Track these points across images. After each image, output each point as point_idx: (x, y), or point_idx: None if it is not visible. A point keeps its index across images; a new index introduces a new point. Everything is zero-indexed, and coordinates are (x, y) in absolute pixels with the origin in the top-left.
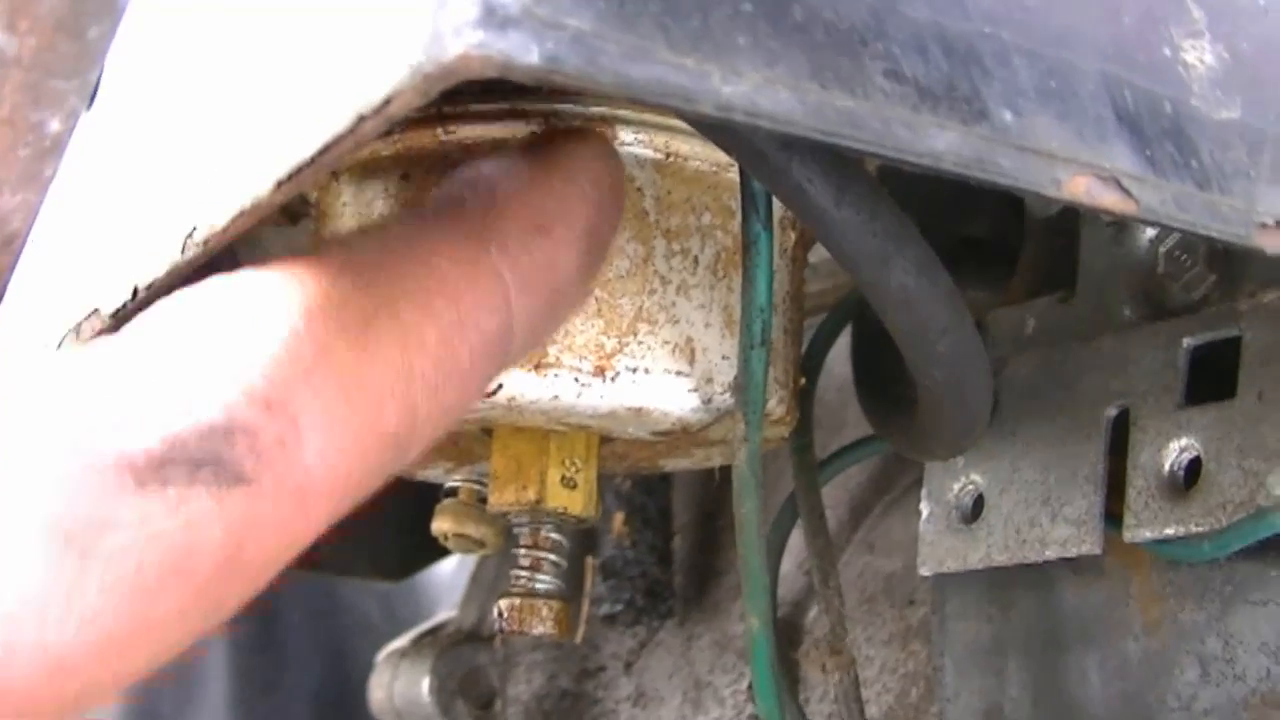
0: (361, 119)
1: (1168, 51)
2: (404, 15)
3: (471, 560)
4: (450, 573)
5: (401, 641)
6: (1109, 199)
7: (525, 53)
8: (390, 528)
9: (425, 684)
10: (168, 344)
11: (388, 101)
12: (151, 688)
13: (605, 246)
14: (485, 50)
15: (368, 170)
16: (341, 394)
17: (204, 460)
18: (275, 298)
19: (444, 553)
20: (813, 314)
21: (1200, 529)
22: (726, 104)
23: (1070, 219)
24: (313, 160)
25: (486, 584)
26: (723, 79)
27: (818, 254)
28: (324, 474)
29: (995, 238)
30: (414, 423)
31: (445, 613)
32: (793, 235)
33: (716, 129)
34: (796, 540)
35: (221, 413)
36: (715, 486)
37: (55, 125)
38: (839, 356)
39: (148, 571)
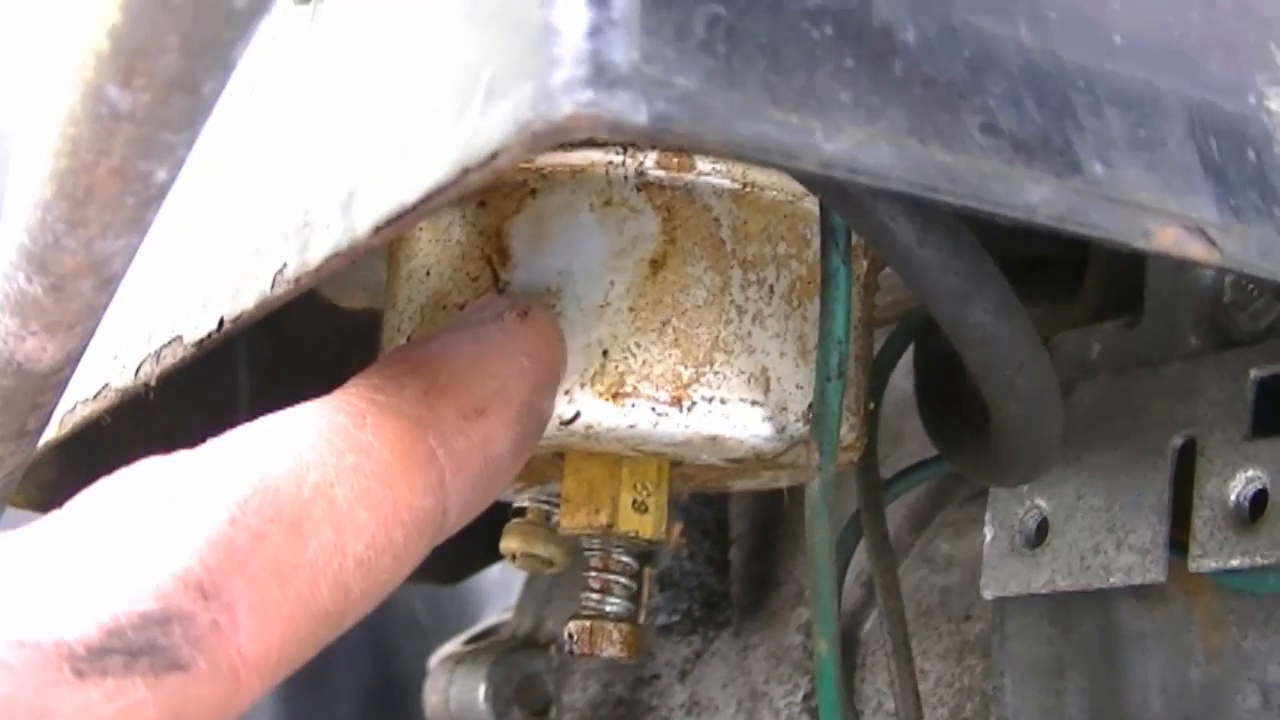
0: (466, 171)
1: (1252, 99)
2: (515, 70)
3: None
4: (497, 573)
5: (454, 645)
6: (1195, 250)
7: (634, 113)
8: None
9: (481, 690)
10: (105, 528)
11: (494, 155)
12: None
13: (543, 419)
14: (595, 109)
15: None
16: (275, 578)
17: (141, 650)
18: (212, 484)
19: (496, 557)
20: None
21: (1266, 561)
22: (829, 161)
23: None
24: (414, 207)
25: (542, 591)
26: (825, 136)
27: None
28: (257, 654)
29: (1059, 256)
30: (347, 600)
31: (494, 615)
32: (864, 263)
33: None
34: (856, 551)
35: (158, 601)
36: (780, 502)
37: (162, 175)
38: (898, 368)
39: None
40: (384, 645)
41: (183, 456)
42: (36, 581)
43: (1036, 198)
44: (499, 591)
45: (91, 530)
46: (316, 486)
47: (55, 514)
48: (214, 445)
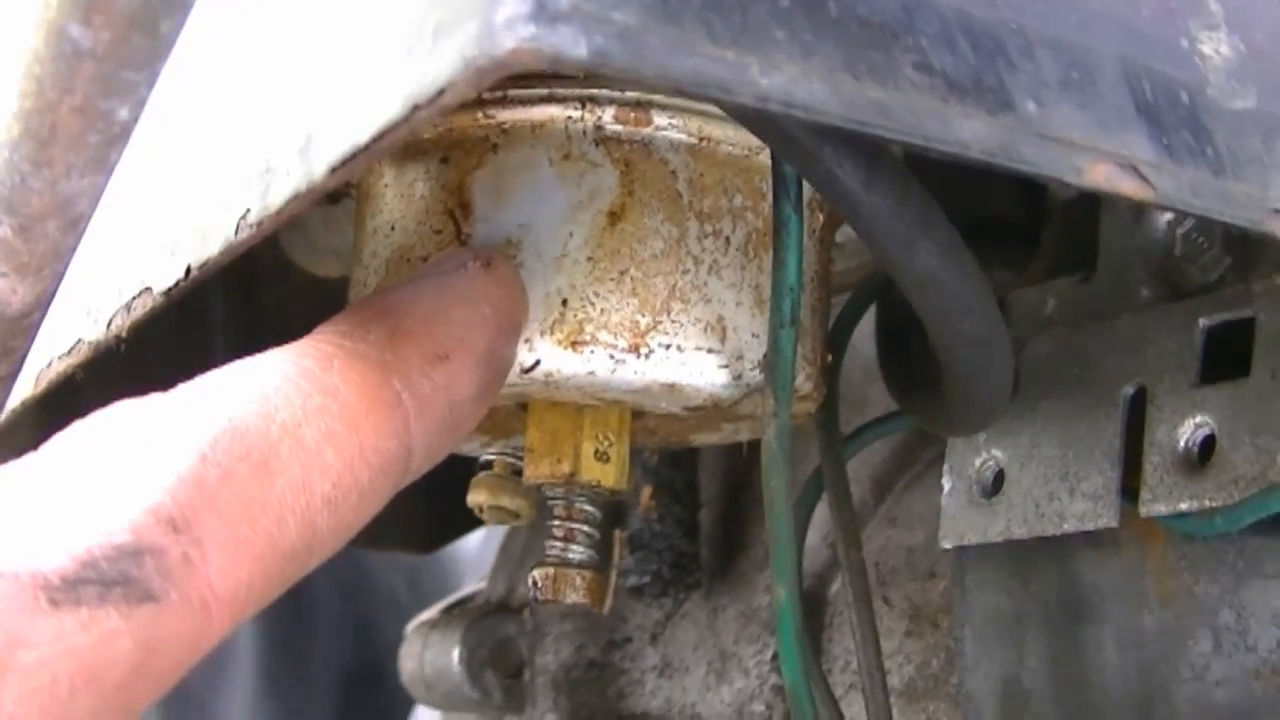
0: (416, 108)
1: (1185, 43)
2: (461, 9)
3: (498, 535)
4: (476, 548)
5: (431, 613)
6: (1127, 186)
7: (574, 46)
8: (419, 500)
9: (455, 654)
10: (79, 467)
11: (441, 92)
12: None
13: (505, 366)
14: (536, 44)
15: (409, 153)
16: (244, 514)
17: (115, 580)
18: (183, 424)
19: (472, 525)
20: (839, 292)
21: (1214, 504)
22: (764, 94)
23: (1090, 201)
24: (367, 146)
25: (515, 556)
26: (761, 71)
27: (844, 234)
28: (227, 588)
29: (1017, 218)
30: (314, 538)
31: (472, 586)
32: (820, 217)
33: (751, 116)
34: (821, 513)
35: (131, 535)
36: (742, 461)
37: (124, 113)
38: (863, 335)
39: (61, 683)
40: (365, 622)
41: (154, 398)
42: (11, 516)
43: (968, 134)
44: (476, 569)
45: (65, 467)
46: (284, 427)
47: (31, 454)
48: (185, 388)
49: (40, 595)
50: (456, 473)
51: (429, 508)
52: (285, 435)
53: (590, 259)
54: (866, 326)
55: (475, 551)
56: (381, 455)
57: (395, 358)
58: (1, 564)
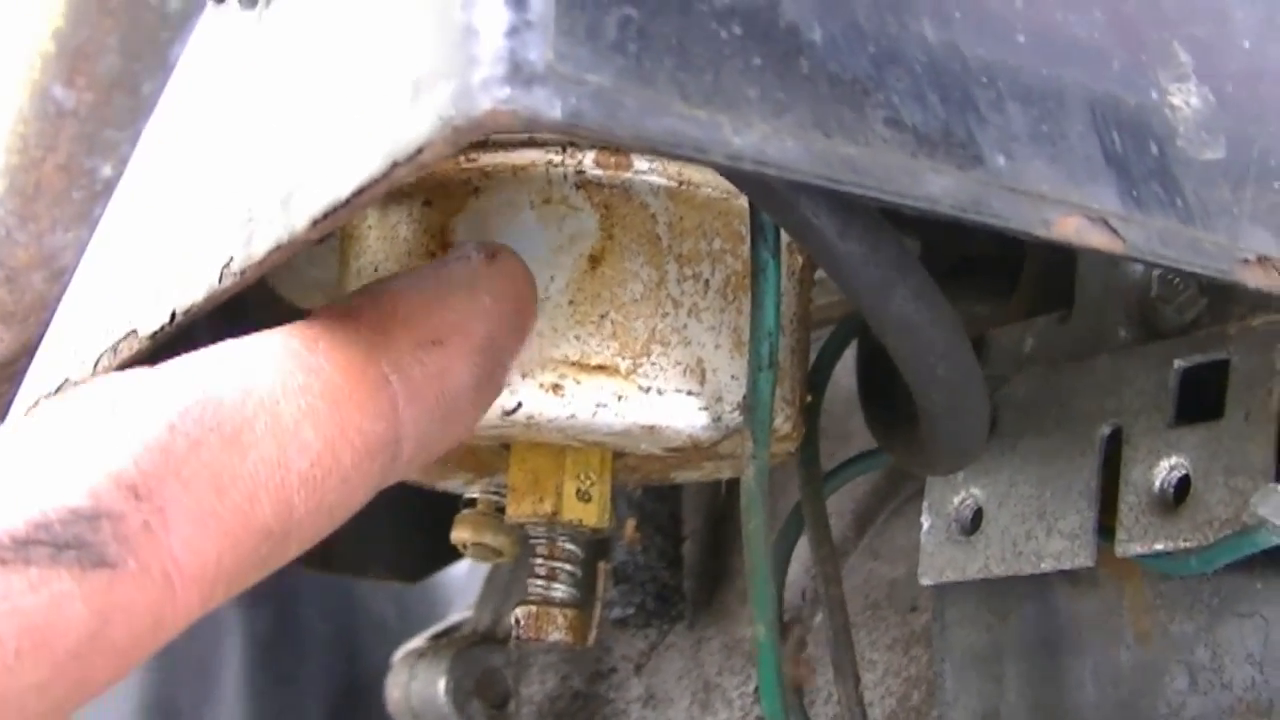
0: (395, 165)
1: (1155, 95)
2: (438, 69)
3: (486, 565)
4: (463, 574)
5: (417, 642)
6: (1097, 238)
7: (549, 108)
8: (407, 530)
9: (441, 684)
10: (43, 433)
11: (420, 150)
12: (169, 679)
13: (506, 359)
14: (512, 105)
15: (392, 195)
16: (212, 486)
17: (68, 544)
18: (155, 394)
19: (459, 555)
20: (819, 327)
21: (1189, 545)
22: (737, 154)
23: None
24: (347, 201)
25: (501, 586)
26: (734, 130)
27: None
28: (192, 561)
29: (995, 255)
30: (290, 518)
31: (459, 614)
32: (799, 258)
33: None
34: (802, 546)
35: (89, 499)
36: (723, 496)
37: (107, 170)
38: (845, 368)
39: (6, 644)
40: (352, 647)
41: (131, 371)
42: None
43: (938, 188)
44: (465, 595)
45: (33, 433)
46: (261, 402)
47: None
48: (165, 364)
49: None
50: (441, 503)
51: (416, 537)
52: (261, 410)
53: (571, 302)
54: (850, 359)
55: (463, 578)
56: (366, 437)
57: (385, 340)
58: None
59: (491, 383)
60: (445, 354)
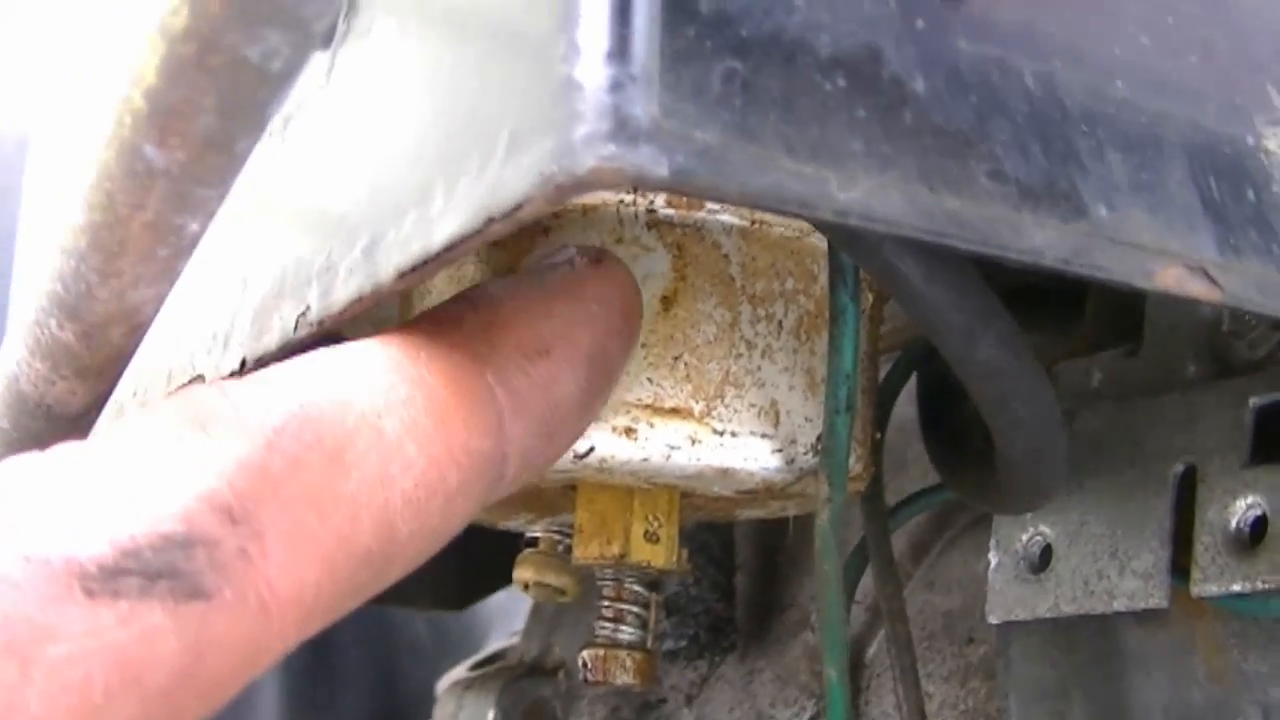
0: (491, 221)
1: (1250, 140)
2: (537, 123)
3: None
4: (501, 598)
5: (460, 670)
6: (1196, 288)
7: (656, 166)
8: (451, 560)
9: (490, 716)
10: (133, 450)
11: (519, 206)
12: None
13: (614, 370)
14: (617, 164)
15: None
16: (313, 508)
17: (160, 573)
18: (249, 408)
19: (504, 583)
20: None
21: (1267, 585)
22: (843, 209)
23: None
24: (438, 254)
25: (547, 617)
26: (839, 185)
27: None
28: (289, 588)
29: (1060, 284)
30: (393, 542)
31: (499, 640)
32: (870, 296)
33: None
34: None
35: (182, 523)
36: (778, 524)
37: (195, 226)
38: (900, 396)
39: (94, 683)
40: (388, 669)
41: (222, 382)
42: (51, 498)
43: (1042, 241)
44: (503, 617)
45: (116, 450)
46: (363, 416)
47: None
48: (257, 374)
49: (74, 584)
50: (486, 531)
51: (460, 567)
52: (363, 425)
53: (644, 345)
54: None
55: (500, 601)
56: (472, 455)
57: (490, 349)
58: (33, 548)
59: (599, 396)
60: (552, 364)
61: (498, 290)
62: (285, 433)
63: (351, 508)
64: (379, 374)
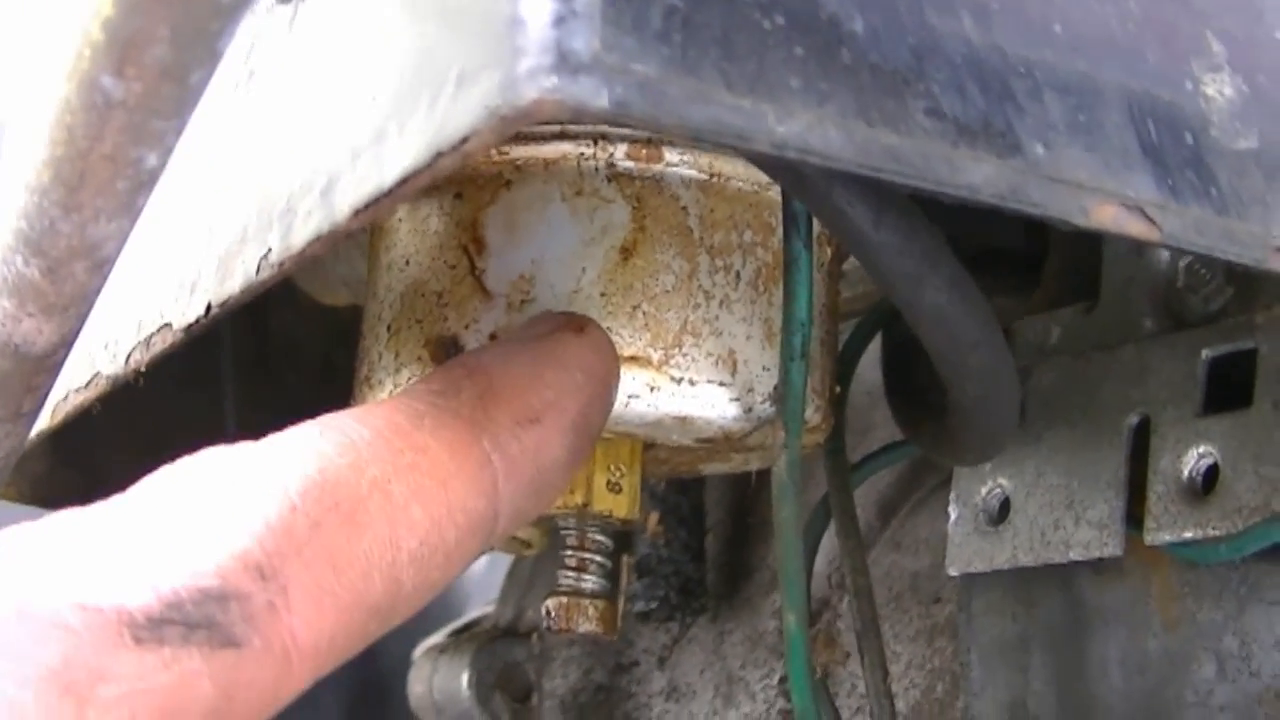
0: (439, 155)
1: (1189, 85)
2: (484, 59)
3: (503, 558)
4: (480, 571)
5: (439, 637)
6: (1133, 226)
7: (596, 97)
8: None
9: (464, 678)
10: (169, 508)
11: (465, 140)
12: None
13: (596, 433)
14: (559, 95)
15: (423, 189)
16: (330, 566)
17: (199, 623)
18: (274, 472)
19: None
20: (843, 320)
21: (1218, 533)
22: (780, 142)
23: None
24: (390, 191)
25: (522, 581)
26: (777, 119)
27: (849, 263)
28: (309, 639)
29: (1020, 247)
30: (398, 595)
31: (478, 609)
32: (829, 250)
33: (763, 156)
34: (828, 539)
35: (218, 579)
36: (747, 486)
37: (152, 160)
38: (867, 361)
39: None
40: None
41: (245, 446)
42: (100, 551)
43: (978, 177)
44: (483, 591)
45: (155, 508)
46: (374, 481)
47: (120, 495)
48: (276, 437)
49: (125, 631)
50: None
51: None
52: (375, 489)
53: (603, 294)
54: (871, 353)
55: (480, 573)
56: (469, 515)
57: (486, 418)
58: (88, 598)
59: (582, 455)
60: (542, 431)
61: (492, 359)
62: (308, 496)
63: (364, 565)
64: (386, 440)
